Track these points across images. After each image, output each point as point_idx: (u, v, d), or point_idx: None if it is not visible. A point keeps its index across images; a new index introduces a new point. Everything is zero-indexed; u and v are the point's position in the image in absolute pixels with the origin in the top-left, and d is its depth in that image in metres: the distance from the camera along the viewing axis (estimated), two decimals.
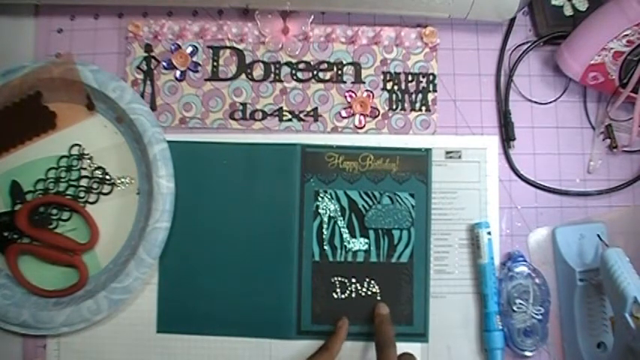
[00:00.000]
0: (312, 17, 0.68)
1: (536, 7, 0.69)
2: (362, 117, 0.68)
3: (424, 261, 0.66)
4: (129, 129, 0.66)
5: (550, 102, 0.69)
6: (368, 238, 0.66)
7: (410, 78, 0.69)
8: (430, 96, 0.68)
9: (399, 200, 0.67)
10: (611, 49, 0.63)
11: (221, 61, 0.69)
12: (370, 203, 0.67)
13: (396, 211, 0.67)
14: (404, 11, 0.67)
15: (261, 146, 0.67)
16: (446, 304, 0.66)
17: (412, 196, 0.67)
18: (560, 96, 0.69)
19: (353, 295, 0.66)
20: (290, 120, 0.68)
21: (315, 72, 0.69)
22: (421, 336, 0.65)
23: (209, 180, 0.66)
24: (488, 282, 0.64)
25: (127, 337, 0.65)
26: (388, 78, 0.69)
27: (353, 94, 0.68)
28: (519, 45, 0.69)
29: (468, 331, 0.66)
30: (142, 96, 0.68)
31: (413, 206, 0.67)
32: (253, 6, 0.67)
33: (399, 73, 0.69)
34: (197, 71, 0.68)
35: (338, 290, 0.66)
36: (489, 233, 0.65)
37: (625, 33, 0.63)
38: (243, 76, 0.69)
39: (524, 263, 0.65)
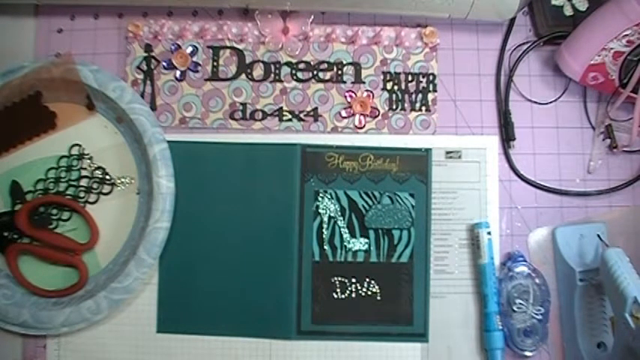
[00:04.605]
0: (312, 17, 0.68)
1: (536, 7, 0.69)
2: (362, 117, 0.68)
3: (424, 261, 0.66)
4: (129, 129, 0.66)
5: (550, 102, 0.69)
6: (368, 238, 0.66)
7: (410, 78, 0.69)
8: (430, 96, 0.68)
9: (399, 200, 0.67)
10: (611, 49, 0.63)
11: (221, 61, 0.69)
12: (370, 203, 0.67)
13: (396, 211, 0.67)
14: (404, 11, 0.67)
15: (261, 146, 0.67)
16: (446, 304, 0.66)
17: (412, 196, 0.67)
18: (560, 96, 0.69)
19: (353, 295, 0.66)
20: (290, 120, 0.68)
21: (315, 72, 0.69)
22: (421, 336, 0.65)
23: (209, 180, 0.66)
24: (488, 282, 0.64)
25: (127, 337, 0.65)
26: (388, 78, 0.69)
27: (353, 94, 0.68)
28: (519, 45, 0.69)
29: (468, 331, 0.66)
30: (142, 96, 0.68)
31: (413, 206, 0.67)
32: (253, 6, 0.67)
33: (399, 73, 0.69)
34: (197, 71, 0.68)
35: (338, 290, 0.66)
36: (489, 233, 0.65)
37: (625, 33, 0.63)
38: (243, 76, 0.69)
39: (524, 263, 0.65)
